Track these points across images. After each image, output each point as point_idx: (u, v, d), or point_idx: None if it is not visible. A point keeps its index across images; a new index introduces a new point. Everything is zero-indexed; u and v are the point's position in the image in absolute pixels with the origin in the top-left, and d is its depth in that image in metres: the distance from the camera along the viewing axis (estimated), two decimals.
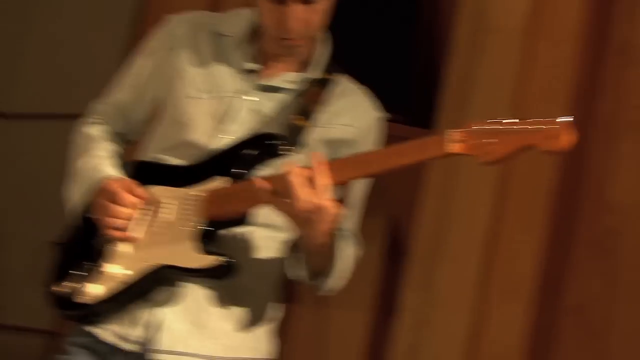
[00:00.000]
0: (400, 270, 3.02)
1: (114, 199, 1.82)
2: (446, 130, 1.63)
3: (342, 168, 1.70)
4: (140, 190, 1.86)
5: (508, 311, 2.60)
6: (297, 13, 1.83)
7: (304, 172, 1.70)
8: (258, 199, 1.75)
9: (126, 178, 1.89)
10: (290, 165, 1.72)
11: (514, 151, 1.59)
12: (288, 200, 1.70)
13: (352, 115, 1.96)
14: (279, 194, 1.71)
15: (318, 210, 1.69)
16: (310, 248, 1.78)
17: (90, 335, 1.84)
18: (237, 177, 1.83)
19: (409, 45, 2.93)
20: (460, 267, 2.71)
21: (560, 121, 1.57)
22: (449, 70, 2.95)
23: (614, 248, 2.47)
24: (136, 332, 1.82)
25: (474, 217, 2.71)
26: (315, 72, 1.95)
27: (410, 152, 1.66)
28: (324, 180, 1.69)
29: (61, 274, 1.88)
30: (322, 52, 1.98)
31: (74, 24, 4.22)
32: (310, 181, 1.69)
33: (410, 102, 2.95)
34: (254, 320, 1.90)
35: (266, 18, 1.89)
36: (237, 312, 1.88)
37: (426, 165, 2.88)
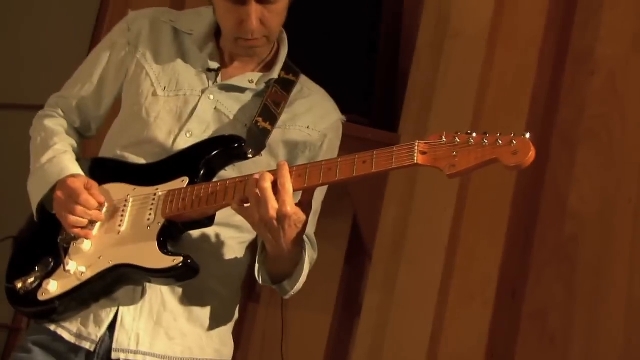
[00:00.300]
0: (362, 272, 3.04)
1: (74, 197, 1.81)
2: (414, 141, 1.64)
3: (308, 175, 1.70)
4: (98, 191, 1.84)
5: (468, 314, 2.62)
6: (256, 13, 1.83)
7: (271, 179, 1.69)
8: (221, 202, 1.76)
9: (85, 177, 1.87)
10: (259, 172, 1.71)
11: (477, 165, 1.61)
12: (254, 207, 1.69)
13: (311, 116, 1.97)
14: (244, 199, 1.71)
15: (285, 217, 1.68)
16: (276, 253, 1.78)
17: (49, 332, 1.83)
18: (199, 178, 1.82)
19: (373, 47, 2.94)
20: (422, 269, 2.72)
21: (522, 137, 1.60)
22: (412, 73, 2.97)
23: (574, 254, 2.50)
24: (95, 331, 1.81)
25: (435, 220, 2.73)
26: (274, 72, 1.96)
27: (377, 161, 1.66)
28: (290, 187, 1.68)
29: (19, 270, 1.87)
30: (281, 52, 1.98)
31: (38, 16, 4.18)
32: (276, 188, 1.68)
33: (374, 104, 2.96)
34: (216, 321, 1.90)
35: (224, 18, 1.89)
36: (199, 313, 1.87)
37: None
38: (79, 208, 1.81)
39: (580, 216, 2.52)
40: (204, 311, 1.88)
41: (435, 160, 1.62)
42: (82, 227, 1.83)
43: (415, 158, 1.63)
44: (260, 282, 1.88)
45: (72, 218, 1.81)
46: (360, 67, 2.93)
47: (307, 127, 1.95)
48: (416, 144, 1.64)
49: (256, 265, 1.87)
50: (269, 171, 1.71)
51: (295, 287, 1.89)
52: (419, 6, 3.00)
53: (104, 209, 1.86)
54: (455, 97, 2.83)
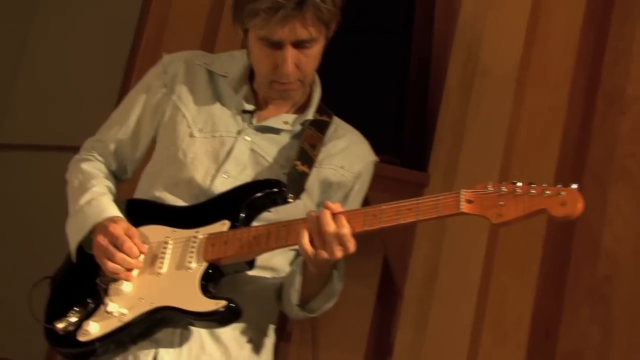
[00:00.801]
0: (393, 311, 3.02)
1: (115, 243, 1.83)
2: (460, 190, 1.65)
3: (355, 219, 1.72)
4: (140, 241, 1.85)
5: (502, 355, 2.60)
6: (293, 57, 1.86)
7: (327, 220, 1.72)
8: (265, 247, 1.76)
9: (126, 222, 1.88)
10: (316, 216, 1.73)
11: (526, 215, 1.63)
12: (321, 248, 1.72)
13: (346, 157, 1.99)
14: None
15: (334, 257, 1.72)
16: (319, 272, 1.81)
17: None
18: (240, 222, 1.83)
19: (403, 87, 2.95)
20: (454, 309, 2.71)
21: (571, 188, 1.61)
22: (442, 112, 2.98)
23: (608, 295, 2.48)
24: None
25: (467, 259, 2.72)
26: (309, 114, 1.97)
27: (423, 209, 1.67)
28: (344, 229, 1.71)
29: (58, 310, 1.87)
30: (315, 95, 2.00)
31: (69, 58, 4.25)
32: (327, 229, 1.71)
33: (404, 143, 2.97)
34: None
35: (260, 62, 1.91)
36: (237, 356, 1.88)
37: None
38: (120, 256, 1.81)
39: (615, 256, 2.50)
40: (242, 354, 1.89)
41: (482, 210, 1.64)
42: (122, 271, 1.84)
43: (462, 207, 1.64)
44: (295, 301, 1.88)
45: (113, 265, 1.82)
46: (390, 107, 2.94)
47: (342, 167, 1.97)
48: (462, 192, 1.66)
49: (294, 287, 1.88)
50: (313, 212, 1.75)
51: (321, 304, 1.89)
52: (448, 45, 3.01)
53: (147, 251, 1.87)
54: (486, 137, 2.83)
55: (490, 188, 1.66)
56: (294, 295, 1.88)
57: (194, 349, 1.84)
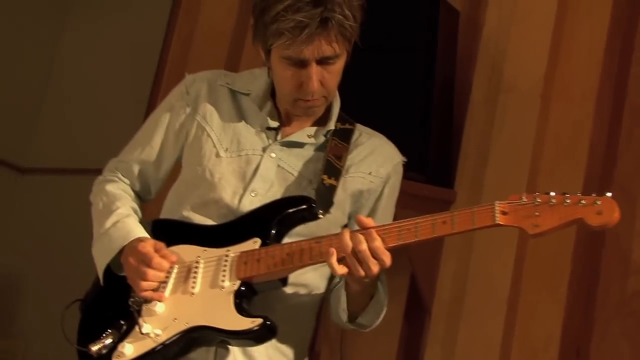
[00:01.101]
0: (422, 328, 3.01)
1: (146, 262, 1.83)
2: (494, 202, 1.64)
3: (389, 234, 1.72)
4: (168, 252, 1.86)
5: None
6: (317, 75, 1.86)
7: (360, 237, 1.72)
8: (298, 264, 1.77)
9: (153, 239, 1.88)
10: (346, 235, 1.73)
11: (562, 225, 1.62)
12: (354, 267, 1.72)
13: (373, 161, 1.99)
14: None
15: (371, 273, 1.73)
16: (360, 289, 1.82)
17: None
18: (271, 239, 1.83)
19: (427, 104, 2.95)
20: (483, 325, 2.70)
21: (606, 197, 1.60)
22: (467, 128, 2.97)
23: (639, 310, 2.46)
24: None
25: (495, 276, 2.70)
26: (331, 124, 1.98)
27: (458, 222, 1.67)
28: (376, 242, 1.71)
29: (91, 333, 1.87)
30: (334, 106, 2.01)
31: (95, 81, 4.29)
32: (360, 247, 1.71)
33: (429, 160, 2.96)
34: None
35: (284, 81, 1.91)
36: None
37: None
38: (151, 272, 1.82)
39: None
40: None
41: (518, 221, 1.63)
42: (154, 291, 1.84)
43: (497, 218, 1.63)
44: (345, 320, 1.90)
45: (145, 283, 1.83)
46: (414, 124, 2.94)
47: (370, 173, 1.97)
48: (496, 204, 1.65)
49: (341, 306, 1.89)
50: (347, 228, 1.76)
51: (372, 317, 1.91)
52: (472, 61, 3.01)
53: (175, 271, 1.87)
54: (512, 152, 2.82)
55: (525, 199, 1.65)
56: (342, 315, 1.90)
57: None
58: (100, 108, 4.20)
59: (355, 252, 1.72)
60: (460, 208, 2.84)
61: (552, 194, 1.63)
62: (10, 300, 4.10)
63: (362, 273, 1.73)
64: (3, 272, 4.16)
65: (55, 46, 4.43)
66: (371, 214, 1.97)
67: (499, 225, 1.64)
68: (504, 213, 1.64)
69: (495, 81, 2.91)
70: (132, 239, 1.89)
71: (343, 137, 1.99)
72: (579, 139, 2.71)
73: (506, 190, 2.78)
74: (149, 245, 1.84)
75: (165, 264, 1.83)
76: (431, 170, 2.92)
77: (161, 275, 1.83)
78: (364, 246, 1.71)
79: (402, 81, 2.94)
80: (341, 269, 1.74)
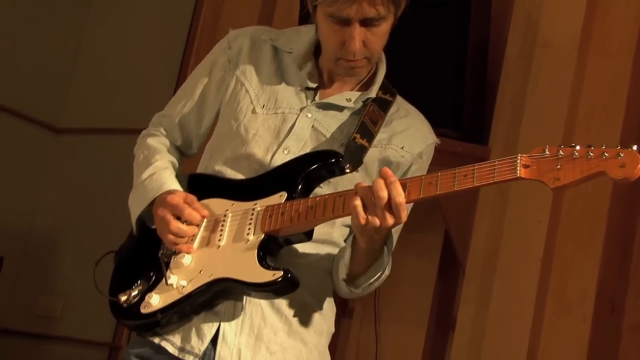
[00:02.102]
0: (455, 286, 3.01)
1: (175, 213, 1.84)
2: (517, 155, 1.62)
3: (408, 189, 1.70)
4: (200, 205, 1.87)
5: (566, 328, 2.57)
6: (360, 35, 1.84)
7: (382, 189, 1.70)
8: (321, 217, 1.77)
9: (184, 192, 1.90)
10: (377, 182, 1.71)
11: (583, 178, 1.58)
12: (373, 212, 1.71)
13: (407, 137, 1.97)
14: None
15: (386, 223, 1.71)
16: (369, 247, 1.80)
17: (152, 345, 1.86)
18: (297, 194, 1.84)
19: (462, 60, 2.92)
20: (517, 282, 2.69)
21: (630, 150, 1.57)
22: (502, 84, 2.94)
23: None
24: (198, 345, 1.83)
25: (530, 232, 2.69)
26: (372, 92, 1.97)
27: (479, 175, 1.64)
28: (399, 197, 1.69)
29: (122, 284, 1.90)
30: (379, 73, 1.99)
31: (128, 40, 4.30)
32: (381, 193, 1.69)
33: (463, 117, 2.94)
34: (315, 335, 1.91)
35: (327, 39, 1.90)
36: (298, 327, 1.89)
37: None
38: (179, 224, 1.84)
39: None
40: (303, 325, 1.89)
41: (539, 174, 1.60)
42: (182, 243, 1.86)
43: (519, 171, 1.61)
44: (342, 276, 1.88)
45: (172, 237, 1.85)
46: (449, 81, 2.91)
47: (402, 147, 1.96)
48: (519, 157, 1.62)
49: (344, 261, 1.87)
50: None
51: (367, 284, 1.88)
52: (507, 16, 2.97)
53: (204, 224, 1.88)
54: (547, 108, 2.79)
55: (547, 152, 1.61)
56: (342, 270, 1.88)
57: (255, 321, 1.85)
58: (134, 68, 4.22)
59: (375, 199, 1.70)
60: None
61: (577, 147, 1.60)
62: (48, 258, 4.17)
63: (377, 222, 1.71)
64: (40, 232, 4.23)
65: (89, 6, 4.45)
66: None
67: (520, 178, 1.61)
68: (525, 166, 1.61)
69: (530, 36, 2.87)
70: (165, 190, 1.90)
71: (381, 106, 1.97)
72: (616, 95, 2.68)
73: (541, 146, 2.76)
74: (179, 197, 1.86)
75: (197, 216, 1.85)
76: (465, 127, 2.90)
77: (191, 228, 1.85)
78: (384, 193, 1.69)
79: (436, 37, 2.91)
80: (362, 213, 1.72)
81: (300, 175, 1.85)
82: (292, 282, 1.76)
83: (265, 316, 1.86)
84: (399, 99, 2.03)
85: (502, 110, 2.91)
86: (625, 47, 2.69)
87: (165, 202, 1.86)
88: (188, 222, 1.85)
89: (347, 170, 1.85)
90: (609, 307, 2.54)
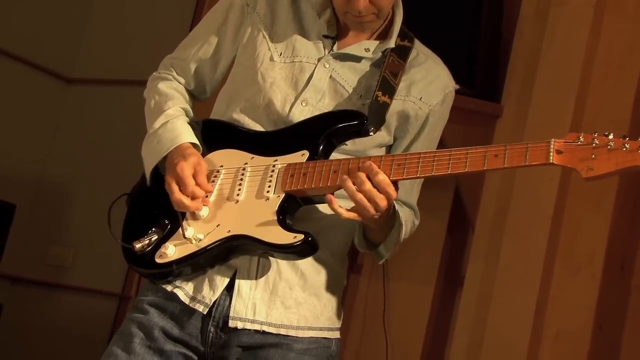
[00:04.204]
0: (464, 243, 3.02)
1: (182, 187, 1.80)
2: (550, 140, 1.59)
3: (435, 165, 1.68)
4: (206, 178, 1.82)
5: (575, 286, 2.58)
6: None
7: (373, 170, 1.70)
8: (337, 183, 1.75)
9: (197, 157, 1.84)
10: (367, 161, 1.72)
11: (617, 171, 1.55)
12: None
13: (425, 86, 1.93)
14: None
15: (380, 208, 1.71)
16: (370, 225, 1.80)
17: (164, 292, 1.84)
18: (319, 154, 1.81)
19: (476, 17, 2.90)
20: (526, 240, 2.70)
21: None
22: (516, 42, 2.92)
23: None
24: (209, 295, 1.82)
25: (540, 190, 2.69)
26: (391, 42, 1.92)
27: (510, 156, 1.62)
28: (381, 177, 1.69)
29: (136, 230, 1.87)
30: (396, 19, 1.94)
31: None
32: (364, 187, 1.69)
33: (477, 74, 2.93)
34: (329, 289, 1.90)
35: None
36: (313, 282, 1.87)
37: (489, 137, 2.87)
38: (180, 197, 1.80)
39: None
40: (317, 280, 1.88)
41: (573, 162, 1.57)
42: (195, 200, 1.82)
43: (551, 157, 1.58)
44: (358, 247, 1.89)
45: (176, 205, 1.82)
46: (462, 37, 2.89)
47: (420, 98, 1.92)
48: (552, 142, 1.59)
49: (357, 240, 1.88)
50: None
51: (390, 252, 1.88)
52: None
53: (222, 176, 1.86)
54: (561, 67, 2.77)
55: (582, 139, 1.57)
56: (361, 246, 1.89)
57: (270, 276, 1.83)
58: (147, 19, 4.19)
59: (361, 192, 1.70)
60: (502, 125, 2.86)
61: (611, 136, 1.57)
62: (60, 208, 4.18)
63: (373, 212, 1.71)
64: (52, 181, 4.24)
65: None
66: (414, 140, 1.93)
67: (552, 164, 1.58)
68: (559, 152, 1.58)
69: None
70: (179, 143, 1.87)
71: (400, 54, 1.93)
72: (632, 54, 2.66)
73: (554, 105, 2.76)
74: (188, 168, 1.81)
75: (200, 193, 1.81)
76: (478, 84, 2.88)
77: (194, 203, 1.81)
78: (367, 185, 1.69)
79: None
80: (348, 214, 1.73)
81: (323, 134, 1.82)
82: (312, 246, 1.74)
83: (281, 270, 1.84)
84: (417, 44, 1.98)
85: (515, 68, 2.89)
86: None
87: (174, 172, 1.81)
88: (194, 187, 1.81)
89: (371, 133, 1.82)
90: (619, 266, 2.54)
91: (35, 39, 4.19)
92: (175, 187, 1.81)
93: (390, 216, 1.79)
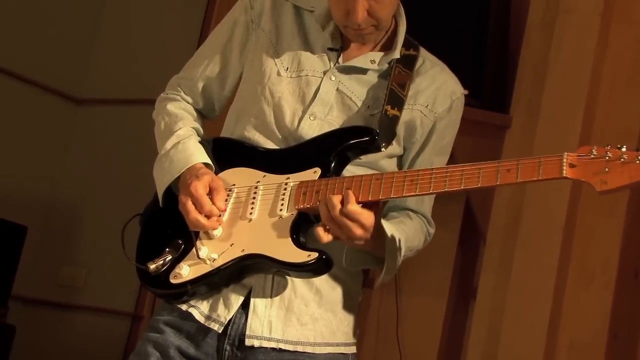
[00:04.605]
0: (476, 254, 3.01)
1: (196, 204, 1.80)
2: (563, 153, 1.58)
3: (448, 180, 1.66)
4: (222, 196, 1.82)
5: (589, 296, 2.57)
6: (363, 6, 1.80)
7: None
8: (359, 197, 1.71)
9: (210, 176, 1.84)
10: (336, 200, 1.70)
11: (632, 184, 1.54)
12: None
13: (432, 94, 1.91)
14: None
15: (354, 236, 1.70)
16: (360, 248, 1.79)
17: (180, 312, 1.84)
18: (331, 171, 1.79)
19: (483, 27, 2.90)
20: (539, 251, 2.69)
21: None
22: (523, 52, 2.92)
23: None
24: (224, 313, 1.81)
25: (552, 200, 2.68)
26: (396, 52, 1.90)
27: (523, 171, 1.61)
28: (350, 207, 1.68)
29: (150, 251, 1.86)
30: (400, 29, 1.92)
31: (149, 10, 4.29)
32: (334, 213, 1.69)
33: (484, 85, 2.92)
34: (344, 304, 1.88)
35: (333, 7, 1.86)
36: (328, 297, 1.85)
37: (498, 149, 2.87)
38: (196, 217, 1.80)
39: None
40: (332, 295, 1.86)
41: (586, 175, 1.56)
42: (209, 220, 1.80)
43: (565, 171, 1.57)
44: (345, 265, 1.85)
45: (190, 224, 1.81)
46: (470, 48, 2.89)
47: (427, 106, 1.90)
48: (565, 156, 1.59)
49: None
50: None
51: (389, 274, 1.83)
52: None
53: (234, 195, 1.85)
54: (569, 76, 2.77)
55: (595, 152, 1.56)
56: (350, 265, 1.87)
57: (286, 293, 1.82)
58: (154, 38, 4.21)
59: (332, 217, 1.69)
60: (511, 136, 2.85)
61: (624, 149, 1.56)
62: (71, 228, 4.20)
63: (344, 238, 1.71)
64: (63, 202, 4.25)
65: None
66: (421, 150, 1.91)
67: (566, 178, 1.56)
68: (572, 166, 1.57)
69: (553, 2, 2.85)
70: (192, 164, 1.86)
71: (407, 63, 1.91)
72: (639, 63, 2.65)
73: (563, 115, 2.75)
74: (202, 187, 1.80)
75: (215, 211, 1.80)
76: (486, 95, 2.88)
77: (210, 222, 1.80)
78: (336, 212, 1.69)
79: (457, 4, 2.89)
80: (326, 237, 1.72)
81: (334, 151, 1.81)
82: (326, 263, 1.72)
83: (296, 287, 1.82)
84: (423, 51, 1.96)
85: (523, 78, 2.89)
86: None
87: (188, 191, 1.80)
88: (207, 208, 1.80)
89: (383, 149, 1.81)
90: (632, 274, 2.53)
91: (44, 61, 4.21)
92: (191, 207, 1.80)
93: (381, 244, 1.76)
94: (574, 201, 2.65)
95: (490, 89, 2.92)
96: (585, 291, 2.60)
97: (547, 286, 2.63)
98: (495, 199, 2.84)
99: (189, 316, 1.82)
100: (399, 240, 1.79)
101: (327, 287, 1.85)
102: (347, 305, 1.88)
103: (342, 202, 1.71)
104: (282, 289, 1.82)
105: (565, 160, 1.59)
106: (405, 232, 1.83)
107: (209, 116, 2.04)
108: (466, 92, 1.97)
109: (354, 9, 1.80)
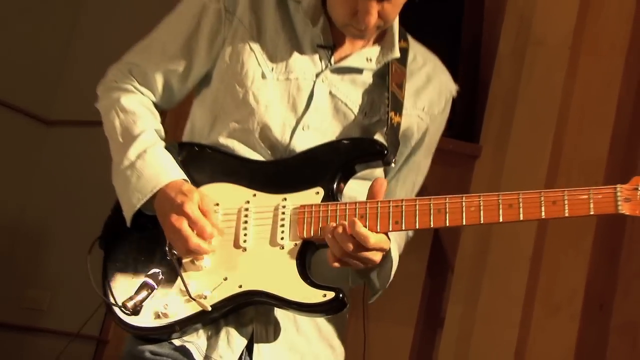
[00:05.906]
0: (444, 284, 3.01)
1: (191, 226, 1.57)
2: (616, 186, 1.45)
3: (483, 214, 1.54)
4: (215, 219, 1.59)
5: (555, 327, 2.57)
6: (376, 9, 1.63)
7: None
8: (376, 227, 1.55)
9: (196, 191, 1.59)
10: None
11: None
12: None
13: (427, 95, 1.77)
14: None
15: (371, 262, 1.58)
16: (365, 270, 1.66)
17: (173, 346, 1.60)
18: (334, 192, 1.59)
19: (454, 57, 2.91)
20: (506, 281, 2.68)
21: None
22: (494, 82, 2.93)
23: None
24: (224, 352, 1.60)
25: (519, 231, 2.68)
26: (395, 50, 1.73)
27: (571, 205, 1.46)
28: (366, 237, 1.53)
29: (122, 283, 1.61)
30: (396, 26, 1.75)
31: (119, 33, 4.26)
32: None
33: (455, 114, 2.92)
34: (338, 336, 1.76)
35: (338, 5, 1.67)
36: (326, 332, 1.73)
37: (467, 178, 2.87)
38: (201, 243, 1.58)
39: None
40: (329, 329, 1.73)
41: None
42: (197, 249, 1.58)
43: (620, 207, 1.44)
44: (351, 284, 1.74)
45: (189, 251, 1.59)
46: None
47: (424, 109, 1.76)
48: (618, 189, 1.46)
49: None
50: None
51: (385, 280, 1.75)
52: (499, 14, 2.97)
53: (220, 217, 1.60)
54: (539, 107, 2.78)
55: None
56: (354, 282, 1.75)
57: (289, 330, 1.65)
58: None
59: (352, 255, 1.54)
60: (481, 166, 2.84)
61: None
62: (37, 251, 4.14)
63: (361, 266, 1.56)
64: (29, 224, 4.20)
65: (78, 2, 4.42)
66: (412, 153, 1.79)
67: (621, 215, 1.45)
68: (627, 200, 1.44)
69: (523, 34, 2.87)
70: (168, 182, 1.60)
71: (401, 59, 1.74)
72: (607, 94, 2.67)
73: (532, 145, 2.76)
74: (196, 208, 1.56)
75: (212, 233, 1.58)
76: (457, 124, 2.88)
77: (210, 247, 1.58)
78: (365, 246, 1.52)
79: (428, 32, 2.89)
80: (338, 265, 1.56)
81: (337, 168, 1.59)
82: (343, 304, 1.52)
83: (298, 324, 1.67)
84: (412, 42, 1.81)
85: (493, 108, 2.90)
86: (618, 47, 2.68)
87: (180, 210, 1.55)
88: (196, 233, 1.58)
89: (393, 164, 1.63)
90: (597, 306, 2.54)
91: (14, 82, 4.17)
92: (188, 231, 1.57)
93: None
94: (541, 232, 2.66)
95: (460, 118, 2.92)
96: (551, 322, 2.60)
97: (513, 317, 2.62)
98: (463, 229, 2.84)
99: (184, 352, 1.60)
100: (395, 250, 1.70)
101: (325, 321, 1.72)
102: (341, 337, 1.78)
103: (364, 239, 1.52)
104: (285, 326, 1.65)
105: (619, 193, 1.46)
106: (397, 240, 1.74)
107: (163, 108, 1.79)
108: (457, 88, 1.84)
109: (367, 12, 1.63)
